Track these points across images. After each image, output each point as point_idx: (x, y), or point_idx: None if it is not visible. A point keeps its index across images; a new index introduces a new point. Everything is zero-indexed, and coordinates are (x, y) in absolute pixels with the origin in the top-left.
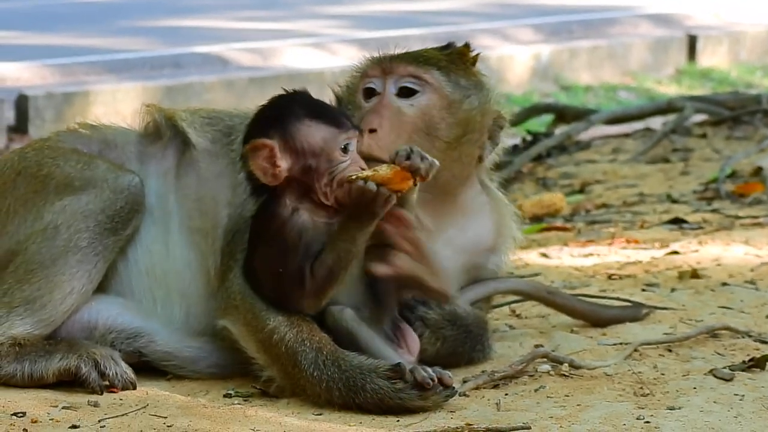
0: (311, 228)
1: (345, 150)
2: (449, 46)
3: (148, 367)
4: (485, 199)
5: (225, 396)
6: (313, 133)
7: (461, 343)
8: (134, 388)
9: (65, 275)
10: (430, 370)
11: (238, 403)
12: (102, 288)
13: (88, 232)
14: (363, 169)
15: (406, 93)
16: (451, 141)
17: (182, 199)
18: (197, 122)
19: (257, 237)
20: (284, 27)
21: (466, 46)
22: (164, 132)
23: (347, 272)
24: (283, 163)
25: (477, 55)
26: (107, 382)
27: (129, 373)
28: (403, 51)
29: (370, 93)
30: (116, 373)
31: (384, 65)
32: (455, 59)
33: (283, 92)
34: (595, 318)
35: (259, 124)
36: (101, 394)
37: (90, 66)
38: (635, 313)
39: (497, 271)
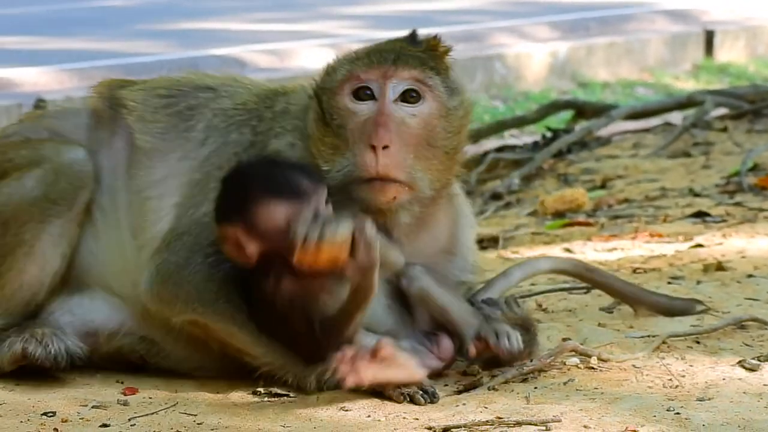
0: (302, 292)
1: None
2: (415, 36)
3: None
4: (449, 203)
5: (253, 393)
6: (276, 214)
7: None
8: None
9: (13, 271)
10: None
11: (267, 400)
12: (86, 283)
13: (32, 222)
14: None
15: (407, 100)
16: (449, 151)
17: (133, 198)
18: (150, 106)
19: (256, 308)
20: (301, 28)
21: (435, 38)
22: (111, 123)
23: (362, 314)
24: (251, 247)
25: (448, 49)
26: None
27: (77, 345)
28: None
29: (362, 95)
30: (60, 348)
31: (384, 68)
32: (434, 56)
33: (240, 165)
34: (635, 299)
35: (221, 207)
36: (59, 368)
37: (108, 70)
38: (686, 306)
39: (463, 276)
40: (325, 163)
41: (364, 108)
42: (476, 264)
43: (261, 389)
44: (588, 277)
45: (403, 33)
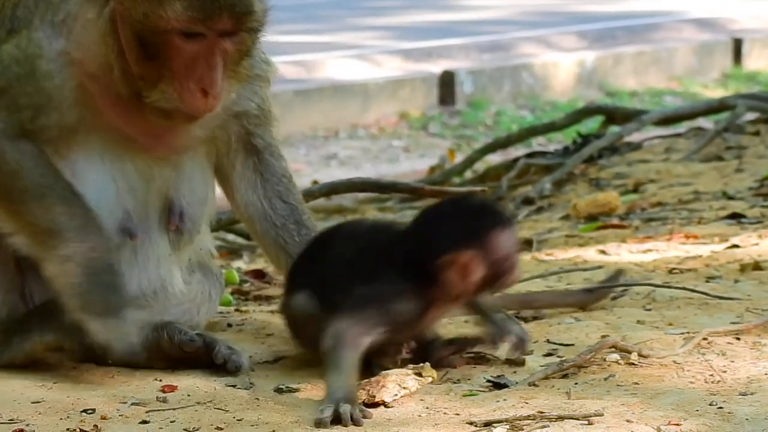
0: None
1: None
2: None
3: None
4: None
5: (276, 390)
6: (509, 243)
7: None
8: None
9: None
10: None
11: (297, 396)
12: None
13: None
14: None
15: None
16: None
17: None
18: None
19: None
20: (327, 39)
21: None
22: None
23: None
24: (478, 273)
25: None
26: None
27: None
28: None
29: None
30: None
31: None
32: None
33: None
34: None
35: (452, 235)
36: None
37: None
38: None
39: None
40: (144, 86)
41: (195, 47)
42: None
43: (283, 386)
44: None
45: (430, 43)
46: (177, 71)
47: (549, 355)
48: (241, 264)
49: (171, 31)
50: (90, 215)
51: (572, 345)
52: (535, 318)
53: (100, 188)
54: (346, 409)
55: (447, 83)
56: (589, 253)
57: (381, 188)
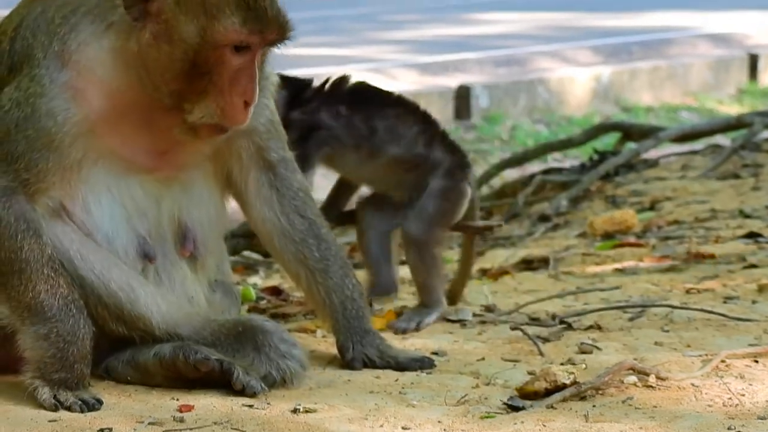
0: None
1: None
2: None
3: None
4: None
5: (292, 411)
6: None
7: None
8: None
9: None
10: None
11: (311, 416)
12: None
13: None
14: None
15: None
16: None
17: None
18: None
19: None
20: (344, 53)
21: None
22: None
23: None
24: None
25: None
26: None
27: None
28: None
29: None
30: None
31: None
32: None
33: None
34: None
35: None
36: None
37: None
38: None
39: None
40: (186, 104)
41: (241, 60)
42: None
43: (299, 406)
44: None
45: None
46: (222, 86)
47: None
48: (257, 280)
49: (225, 46)
50: (73, 296)
51: (590, 367)
52: (552, 339)
53: (112, 217)
54: None
55: (463, 97)
56: (606, 272)
57: None
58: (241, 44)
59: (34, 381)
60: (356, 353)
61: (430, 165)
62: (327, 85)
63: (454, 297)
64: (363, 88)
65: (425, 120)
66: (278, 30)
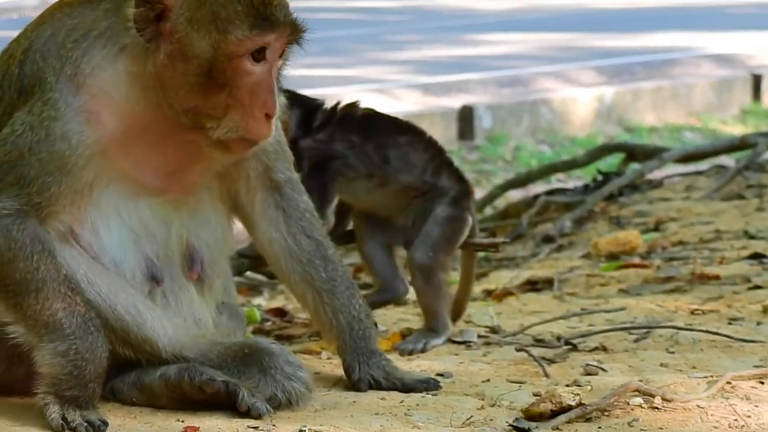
0: None
1: None
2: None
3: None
4: None
5: None
6: None
7: None
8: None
9: None
10: None
11: None
12: None
13: None
14: None
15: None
16: None
17: None
18: None
19: None
20: (348, 73)
21: None
22: None
23: None
24: None
25: None
26: None
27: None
28: None
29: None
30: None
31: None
32: None
33: None
34: None
35: None
36: None
37: None
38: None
39: None
40: (207, 120)
41: (259, 70)
42: None
43: (305, 428)
44: None
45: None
46: (242, 99)
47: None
48: (262, 301)
49: (241, 56)
50: (89, 315)
51: (596, 388)
52: (557, 361)
53: (121, 240)
54: None
55: (466, 118)
56: (611, 294)
57: None
58: (256, 50)
59: (46, 397)
60: (362, 374)
61: (438, 192)
62: (338, 111)
63: (456, 315)
64: (373, 115)
65: (433, 147)
66: (291, 29)
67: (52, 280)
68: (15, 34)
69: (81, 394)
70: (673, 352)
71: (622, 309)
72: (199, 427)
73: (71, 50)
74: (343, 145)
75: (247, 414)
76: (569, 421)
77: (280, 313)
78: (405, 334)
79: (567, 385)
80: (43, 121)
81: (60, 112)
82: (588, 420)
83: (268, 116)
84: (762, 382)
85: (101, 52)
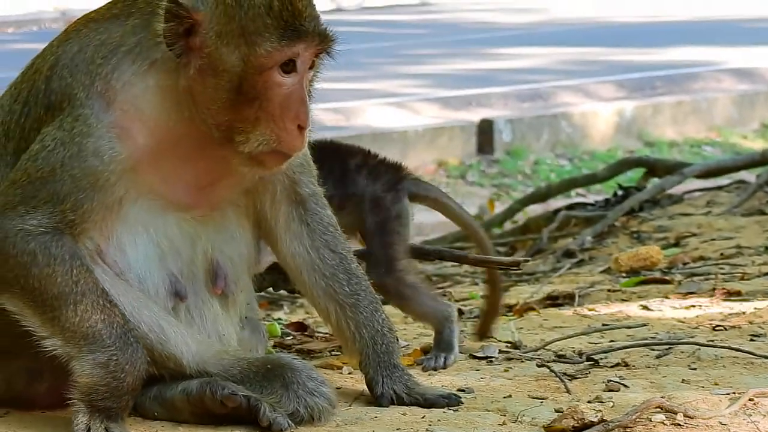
0: None
1: None
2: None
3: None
4: None
5: None
6: None
7: None
8: None
9: None
10: None
11: None
12: None
13: None
14: None
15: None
16: None
17: None
18: None
19: None
20: (366, 87)
21: None
22: None
23: None
24: None
25: None
26: None
27: None
28: None
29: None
30: None
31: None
32: None
33: None
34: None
35: None
36: None
37: None
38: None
39: None
40: (238, 134)
41: (289, 82)
42: None
43: None
44: None
45: (468, 91)
46: (273, 111)
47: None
48: (282, 315)
49: (271, 68)
50: (128, 326)
51: (617, 404)
52: (579, 376)
53: (146, 256)
54: None
55: (485, 131)
56: (632, 309)
57: (425, 255)
58: (285, 62)
59: (78, 406)
60: (385, 388)
61: (356, 199)
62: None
63: (483, 332)
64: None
65: (348, 154)
66: (320, 39)
67: (90, 292)
68: (35, 46)
69: (114, 405)
70: (695, 369)
71: (643, 325)
72: None
73: (100, 66)
74: None
75: (268, 429)
76: None
77: (300, 327)
78: (426, 349)
79: (589, 402)
80: (74, 137)
81: (91, 128)
82: None
83: (301, 128)
84: None
85: (131, 68)
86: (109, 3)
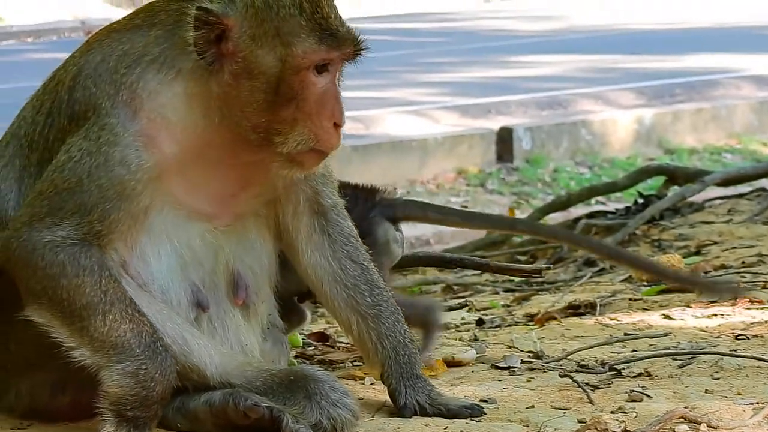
0: None
1: None
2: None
3: None
4: None
5: None
6: None
7: None
8: None
9: None
10: None
11: None
12: None
13: None
14: None
15: None
16: None
17: None
18: None
19: None
20: (385, 95)
21: None
22: None
23: None
24: None
25: None
26: None
27: None
28: None
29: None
30: None
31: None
32: None
33: None
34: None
35: None
36: None
37: None
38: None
39: None
40: (276, 135)
41: (323, 81)
42: None
43: None
44: None
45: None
46: (310, 110)
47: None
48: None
49: (307, 68)
50: (157, 335)
51: (640, 415)
52: (601, 387)
53: (169, 267)
54: None
55: (505, 139)
56: (654, 318)
57: (447, 263)
58: (322, 63)
59: (106, 415)
60: (408, 399)
61: None
62: None
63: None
64: None
65: None
66: (353, 45)
67: (119, 301)
68: (55, 56)
69: (143, 414)
70: (718, 379)
71: (666, 334)
72: None
73: (125, 75)
74: None
75: None
76: None
77: (322, 337)
78: (448, 360)
79: (612, 412)
80: (101, 146)
81: (118, 137)
82: None
83: (337, 125)
84: None
85: (157, 77)
86: (130, 14)
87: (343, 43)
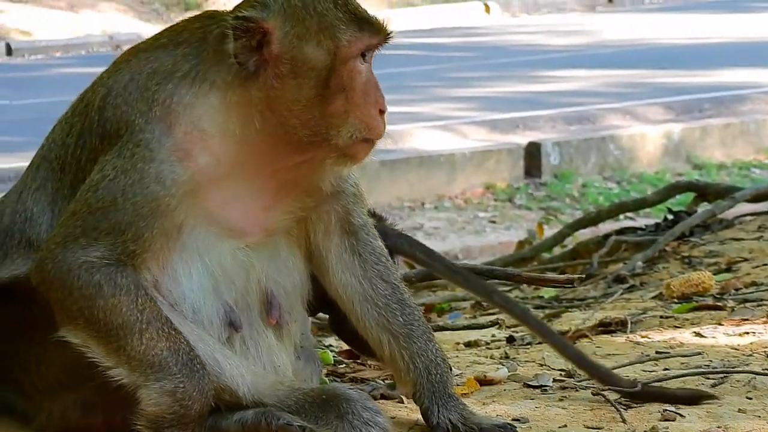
0: None
1: None
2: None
3: None
4: None
5: None
6: None
7: None
8: None
9: None
10: None
11: None
12: None
13: None
14: None
15: None
16: None
17: None
18: None
19: None
20: (413, 110)
21: None
22: None
23: None
24: None
25: None
26: None
27: None
28: None
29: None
30: None
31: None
32: None
33: None
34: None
35: None
36: None
37: None
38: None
39: None
40: (329, 129)
41: (365, 68)
42: None
43: None
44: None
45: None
46: (358, 100)
47: None
48: (332, 341)
49: (354, 57)
50: (194, 353)
51: None
52: (634, 406)
53: (201, 286)
54: None
55: (533, 154)
56: (685, 336)
57: (477, 275)
58: (366, 50)
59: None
60: (441, 418)
61: None
62: None
63: None
64: None
65: None
66: (385, 32)
67: (155, 320)
68: (83, 70)
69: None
70: (750, 398)
71: (698, 353)
72: None
73: (156, 92)
74: None
75: None
76: None
77: (353, 354)
78: (480, 378)
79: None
80: (136, 163)
81: (153, 152)
82: None
83: (381, 112)
84: None
85: (191, 91)
86: (155, 35)
87: (380, 29)
